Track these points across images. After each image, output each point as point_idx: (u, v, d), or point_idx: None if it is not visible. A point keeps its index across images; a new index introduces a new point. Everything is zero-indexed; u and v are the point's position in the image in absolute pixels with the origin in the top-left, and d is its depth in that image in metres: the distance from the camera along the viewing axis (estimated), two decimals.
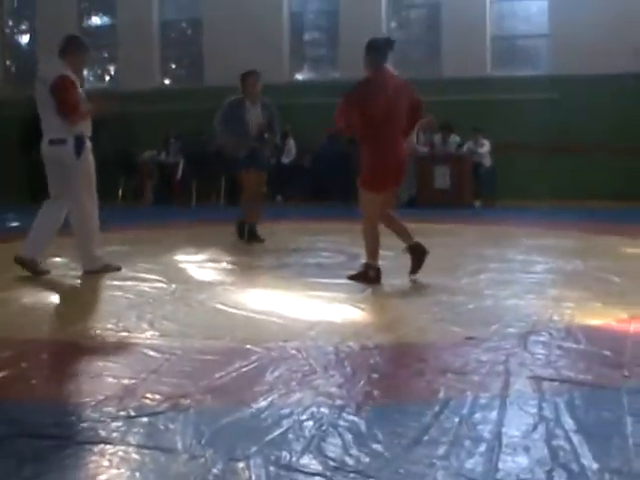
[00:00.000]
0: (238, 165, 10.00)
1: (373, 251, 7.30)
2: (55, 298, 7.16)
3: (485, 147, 16.11)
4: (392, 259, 8.72)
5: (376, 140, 7.16)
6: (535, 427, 3.50)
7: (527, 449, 3.27)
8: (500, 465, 3.11)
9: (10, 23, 21.87)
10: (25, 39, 22.02)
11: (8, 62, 21.62)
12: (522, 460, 3.16)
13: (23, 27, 21.96)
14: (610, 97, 16.01)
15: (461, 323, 5.54)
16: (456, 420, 3.61)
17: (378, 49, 7.42)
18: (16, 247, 8.16)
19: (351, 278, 7.27)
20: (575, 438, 3.35)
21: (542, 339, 5.06)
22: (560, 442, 3.32)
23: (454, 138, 16.42)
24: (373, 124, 7.08)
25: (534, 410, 3.71)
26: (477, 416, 3.66)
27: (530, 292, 6.73)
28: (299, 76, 19.21)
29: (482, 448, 3.28)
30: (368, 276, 7.21)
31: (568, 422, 3.53)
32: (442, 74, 17.39)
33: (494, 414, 3.68)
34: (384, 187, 7.30)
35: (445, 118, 16.29)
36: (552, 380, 4.18)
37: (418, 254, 7.35)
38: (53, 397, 4.09)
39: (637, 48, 15.63)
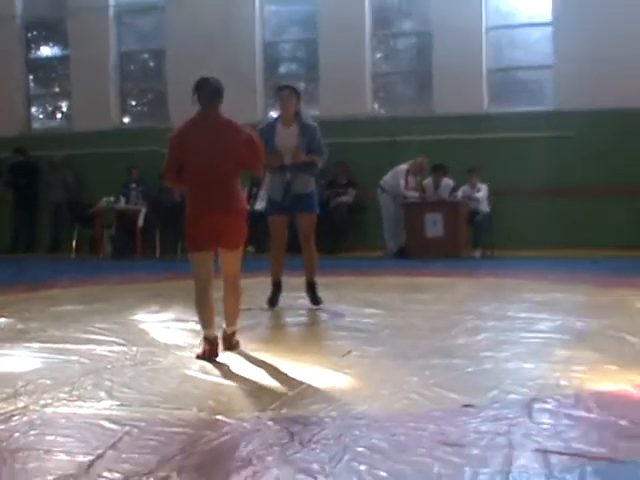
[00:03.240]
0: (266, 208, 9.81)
1: (201, 320, 7.11)
2: (0, 364, 7.12)
3: (482, 191, 16.11)
4: (380, 317, 8.76)
5: (190, 192, 7.20)
6: None
7: None
8: None
9: None
10: None
11: None
12: None
13: None
14: (619, 135, 16.08)
15: (457, 388, 5.53)
16: None
17: (197, 90, 7.18)
18: None
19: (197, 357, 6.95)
20: None
21: (549, 407, 5.06)
22: None
23: (447, 182, 16.44)
24: (187, 175, 7.13)
25: None
26: None
27: (535, 354, 6.74)
28: (274, 114, 19.21)
29: None
30: (202, 352, 6.94)
31: None
32: (434, 111, 17.43)
33: None
34: (197, 246, 7.09)
35: (438, 159, 16.38)
36: (561, 453, 4.16)
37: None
38: None
39: None
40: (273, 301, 9.45)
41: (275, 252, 9.47)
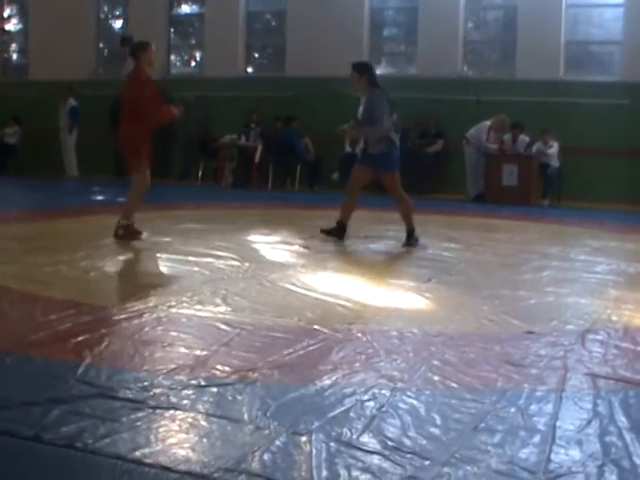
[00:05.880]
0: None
1: (134, 212, 8.70)
2: (135, 270, 7.24)
3: (554, 148, 15.86)
4: (458, 251, 8.71)
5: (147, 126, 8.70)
6: (589, 422, 3.47)
7: (580, 443, 3.24)
8: (553, 457, 3.09)
9: (105, 9, 22.11)
10: (118, 24, 22.23)
11: (102, 45, 21.87)
12: (574, 453, 3.14)
13: (117, 13, 22.15)
14: None
15: (522, 317, 5.49)
16: (512, 410, 3.60)
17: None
18: (103, 219, 8.34)
19: None
20: (628, 436, 3.32)
21: (600, 338, 5.00)
22: (613, 439, 3.29)
23: (523, 138, 16.23)
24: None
25: (589, 406, 3.68)
26: (533, 408, 3.65)
27: (591, 291, 6.65)
28: (377, 71, 19.05)
29: (536, 439, 3.26)
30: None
31: (622, 420, 3.50)
32: (515, 75, 17.15)
33: (549, 407, 3.66)
34: (149, 165, 8.90)
35: (516, 118, 16.16)
36: (608, 378, 4.13)
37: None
38: (128, 363, 4.16)
39: None
40: (328, 231, 9.04)
41: (347, 191, 9.22)
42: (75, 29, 20.57)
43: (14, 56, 23.33)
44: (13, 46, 23.21)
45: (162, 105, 8.71)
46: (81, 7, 20.84)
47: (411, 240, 8.91)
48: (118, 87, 18.01)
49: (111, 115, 19.51)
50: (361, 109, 9.00)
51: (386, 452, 3.07)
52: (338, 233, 9.02)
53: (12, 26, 23.07)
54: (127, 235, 8.42)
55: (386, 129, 8.78)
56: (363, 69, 9.06)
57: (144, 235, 8.55)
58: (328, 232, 9.01)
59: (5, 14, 22.72)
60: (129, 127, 8.46)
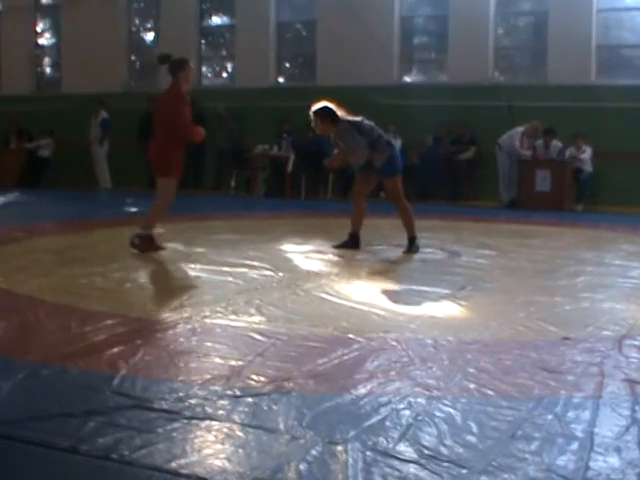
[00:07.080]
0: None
1: (158, 221, 8.75)
2: (169, 280, 7.26)
3: (587, 153, 15.80)
4: (493, 258, 8.67)
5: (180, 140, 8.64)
6: (627, 429, 3.43)
7: (619, 450, 3.21)
8: (591, 464, 3.06)
9: (136, 22, 22.25)
10: (149, 37, 22.36)
11: (133, 58, 22.00)
12: (613, 461, 3.11)
13: (148, 25, 22.27)
14: None
15: (558, 323, 5.45)
16: (549, 417, 3.57)
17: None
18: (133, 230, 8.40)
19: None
20: None
21: (637, 343, 4.94)
22: None
23: (556, 143, 16.16)
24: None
25: (627, 412, 3.64)
26: (570, 415, 3.61)
27: (627, 297, 6.59)
28: (408, 78, 19.10)
29: (574, 446, 3.23)
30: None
31: None
32: (547, 80, 17.08)
33: (587, 414, 3.62)
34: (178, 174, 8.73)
35: (549, 123, 16.09)
36: None
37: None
38: (164, 373, 4.17)
39: None
40: (341, 245, 9.06)
41: (353, 201, 9.24)
42: (107, 42, 20.74)
43: (47, 70, 23.54)
44: (46, 60, 23.43)
45: (193, 125, 8.71)
46: (113, 20, 21.00)
47: (412, 247, 8.92)
48: (150, 100, 18.18)
49: (140, 129, 19.72)
50: (339, 142, 9.08)
51: (422, 461, 3.06)
52: (352, 244, 9.02)
53: (45, 40, 23.29)
54: (143, 245, 8.41)
55: (366, 151, 8.75)
56: (322, 113, 8.98)
57: (163, 248, 8.60)
58: (341, 246, 9.01)
59: (38, 28, 22.92)
60: (162, 143, 8.45)
